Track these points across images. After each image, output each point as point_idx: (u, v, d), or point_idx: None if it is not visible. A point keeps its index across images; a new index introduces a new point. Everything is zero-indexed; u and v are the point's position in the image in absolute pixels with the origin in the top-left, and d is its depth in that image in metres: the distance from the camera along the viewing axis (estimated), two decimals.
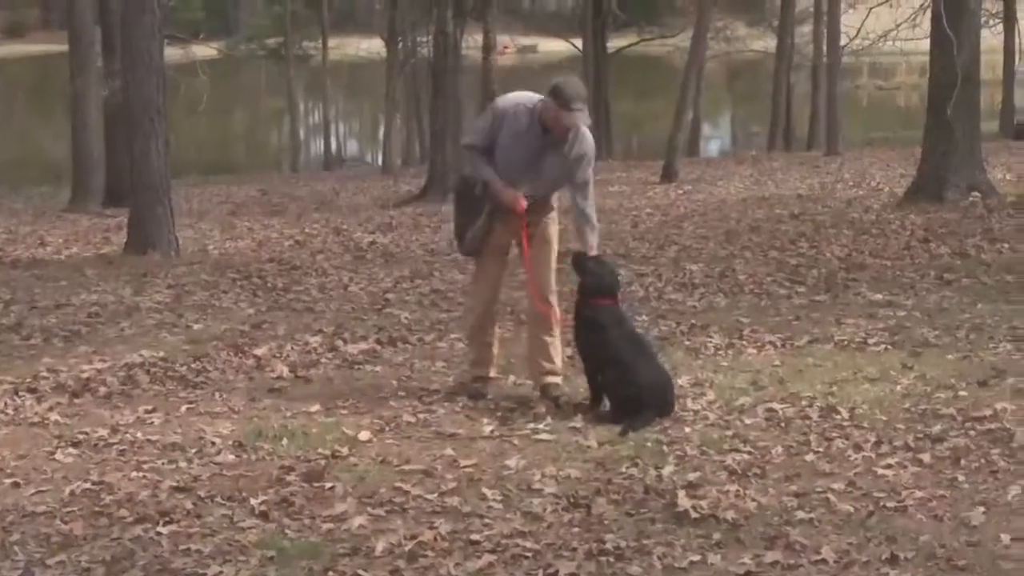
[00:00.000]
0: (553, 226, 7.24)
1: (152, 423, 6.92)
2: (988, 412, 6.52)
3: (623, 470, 5.84)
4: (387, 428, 6.66)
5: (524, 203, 6.93)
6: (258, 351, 8.50)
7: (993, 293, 9.85)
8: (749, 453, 6.05)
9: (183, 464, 6.17)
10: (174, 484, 5.83)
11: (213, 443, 6.47)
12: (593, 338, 6.86)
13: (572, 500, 5.48)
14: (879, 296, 9.85)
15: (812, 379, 7.36)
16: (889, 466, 5.80)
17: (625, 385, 6.63)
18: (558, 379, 7.17)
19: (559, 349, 7.21)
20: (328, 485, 5.75)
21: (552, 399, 7.02)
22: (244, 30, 58.50)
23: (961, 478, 5.65)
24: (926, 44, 16.25)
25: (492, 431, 6.56)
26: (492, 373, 7.39)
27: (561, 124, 6.80)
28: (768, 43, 39.20)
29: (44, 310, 10.35)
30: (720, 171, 23.50)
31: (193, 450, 6.38)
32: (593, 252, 6.98)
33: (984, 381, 7.18)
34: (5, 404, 7.33)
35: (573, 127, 6.83)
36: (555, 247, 7.23)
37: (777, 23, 35.34)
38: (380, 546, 5.03)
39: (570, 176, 6.99)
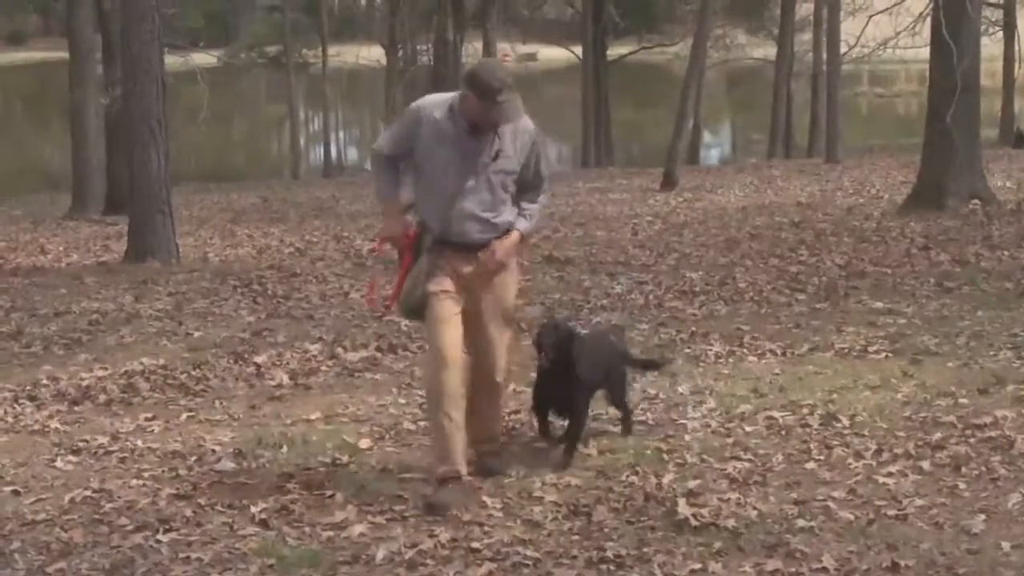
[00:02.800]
0: (512, 276, 5.88)
1: (152, 431, 6.92)
2: (988, 419, 6.53)
3: (623, 478, 5.83)
4: (387, 436, 6.66)
5: (409, 236, 5.69)
6: (258, 359, 8.50)
7: (993, 300, 9.85)
8: (750, 461, 6.05)
9: (183, 472, 6.17)
10: (174, 492, 5.84)
11: (213, 451, 6.48)
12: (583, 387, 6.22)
13: (572, 508, 5.48)
14: (879, 304, 9.85)
15: (812, 387, 7.36)
16: (890, 474, 5.80)
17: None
18: (496, 447, 6.08)
19: (499, 422, 6.14)
20: (328, 493, 5.75)
21: (491, 471, 5.92)
22: (244, 38, 58.50)
23: (962, 486, 5.65)
24: (926, 52, 16.27)
25: None
26: (463, 469, 5.62)
27: (489, 122, 5.55)
28: (768, 51, 39.27)
29: (44, 318, 10.36)
30: (720, 179, 23.50)
31: (193, 458, 6.38)
32: (510, 245, 5.72)
33: (984, 388, 7.18)
34: (5, 412, 7.34)
35: (505, 124, 5.58)
36: (510, 296, 5.85)
37: (777, 31, 35.42)
38: (380, 554, 5.03)
39: (519, 172, 5.69)
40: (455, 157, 5.58)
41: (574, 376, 6.07)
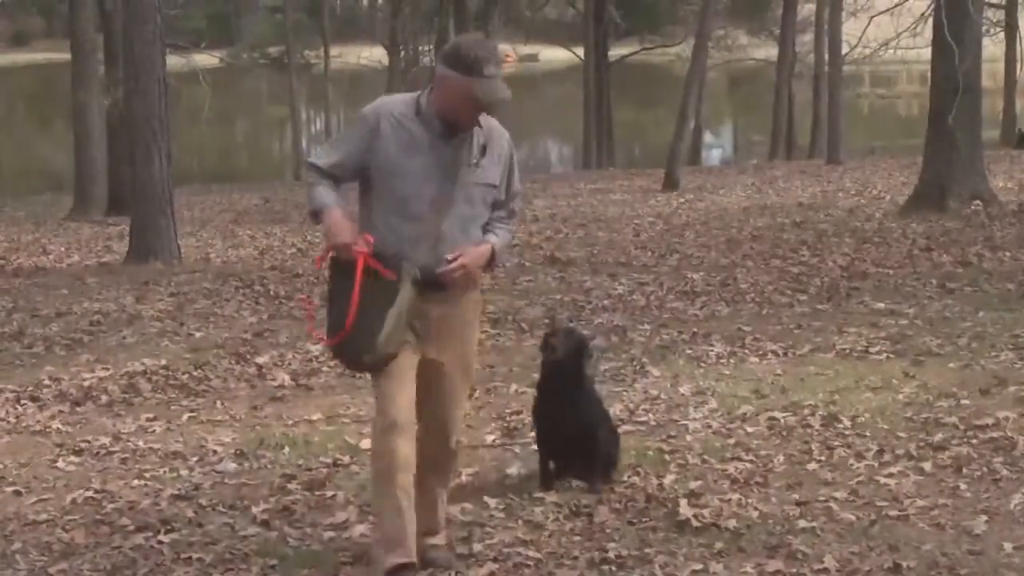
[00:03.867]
0: (474, 313, 4.90)
1: (154, 431, 6.92)
2: (990, 420, 6.52)
3: (625, 479, 5.83)
4: None
5: (362, 249, 4.56)
6: (260, 359, 8.50)
7: (995, 302, 9.84)
8: (751, 462, 6.05)
9: (184, 472, 6.18)
10: (175, 492, 5.84)
11: (214, 451, 6.48)
12: (596, 403, 5.79)
13: (574, 509, 5.48)
14: (881, 305, 9.84)
15: (814, 388, 7.35)
16: (891, 475, 5.79)
17: (614, 439, 5.87)
18: (441, 540, 5.01)
19: (444, 506, 5.07)
20: (330, 493, 5.76)
21: (436, 563, 4.90)
22: (246, 39, 58.52)
23: (963, 487, 5.65)
24: (927, 53, 16.29)
25: (494, 440, 6.55)
26: (412, 556, 4.69)
27: (473, 106, 4.60)
28: (769, 52, 39.26)
29: (46, 318, 10.36)
30: (722, 179, 23.51)
31: (194, 458, 6.39)
32: (465, 261, 4.65)
33: (986, 389, 7.17)
34: (7, 412, 7.34)
35: (496, 102, 4.59)
36: (475, 345, 4.93)
37: (778, 32, 35.41)
38: None
39: (499, 186, 4.79)
40: (431, 167, 4.63)
41: (585, 395, 5.54)
